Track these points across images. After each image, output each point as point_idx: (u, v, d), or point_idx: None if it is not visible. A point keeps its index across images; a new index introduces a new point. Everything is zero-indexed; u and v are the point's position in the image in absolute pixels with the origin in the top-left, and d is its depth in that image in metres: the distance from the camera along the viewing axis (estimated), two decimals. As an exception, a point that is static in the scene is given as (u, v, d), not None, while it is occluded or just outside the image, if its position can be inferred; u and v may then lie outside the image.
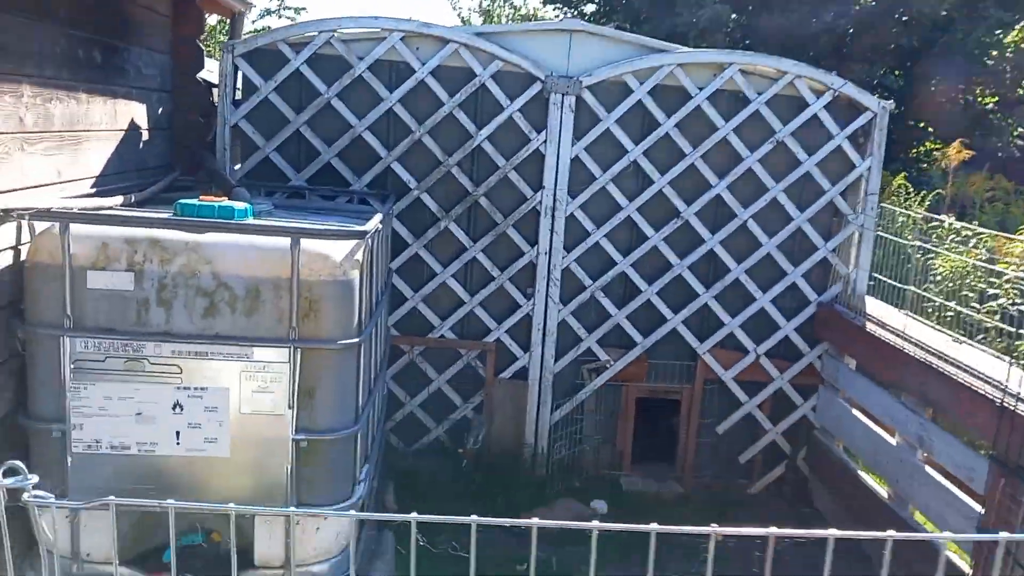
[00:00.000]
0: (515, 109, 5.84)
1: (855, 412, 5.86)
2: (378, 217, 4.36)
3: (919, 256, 8.58)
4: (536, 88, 5.82)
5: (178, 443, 3.62)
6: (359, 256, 3.84)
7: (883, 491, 5.46)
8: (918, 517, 5.17)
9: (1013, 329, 4.84)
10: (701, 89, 5.88)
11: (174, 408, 3.60)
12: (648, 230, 6.08)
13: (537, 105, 5.88)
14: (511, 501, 5.78)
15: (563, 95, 5.80)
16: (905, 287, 6.54)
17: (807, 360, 6.31)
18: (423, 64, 5.74)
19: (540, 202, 5.98)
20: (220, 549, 3.84)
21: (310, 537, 3.81)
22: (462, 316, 6.12)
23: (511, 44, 5.81)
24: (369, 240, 4.01)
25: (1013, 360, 4.34)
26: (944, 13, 13.60)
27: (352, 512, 3.88)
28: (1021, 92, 18.54)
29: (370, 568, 4.36)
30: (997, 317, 7.32)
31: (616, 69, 5.81)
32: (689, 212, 6.06)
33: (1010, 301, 7.42)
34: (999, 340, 5.91)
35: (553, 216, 6.00)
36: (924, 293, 5.84)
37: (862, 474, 5.77)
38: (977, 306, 7.20)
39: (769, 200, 6.07)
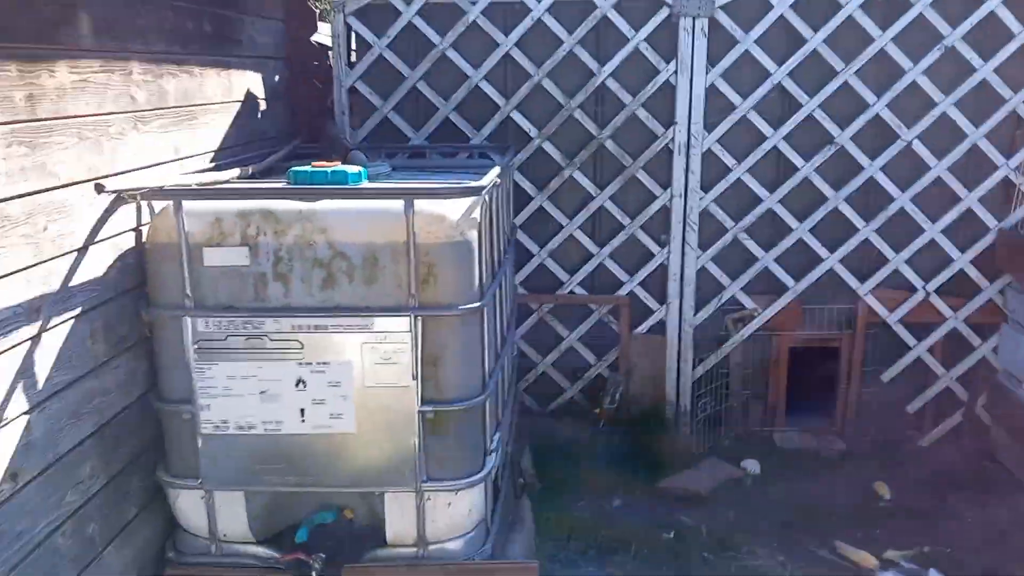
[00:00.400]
0: (641, 39, 5.35)
1: (1049, 354, 5.11)
2: (495, 171, 4.06)
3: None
4: (663, 13, 5.30)
5: (303, 420, 3.52)
6: (476, 215, 3.57)
7: (1089, 444, 4.74)
8: None
9: None
10: (853, -3, 5.17)
11: (297, 385, 3.49)
12: (797, 160, 5.47)
13: (665, 32, 5.35)
14: (653, 462, 5.46)
15: (694, 18, 5.25)
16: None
17: (986, 296, 5.56)
18: (539, 2, 5.34)
19: (672, 139, 5.49)
20: (353, 527, 3.76)
21: (442, 513, 3.65)
22: (591, 270, 5.77)
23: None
24: (486, 196, 3.73)
25: None
26: None
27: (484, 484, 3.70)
28: None
29: (507, 541, 4.17)
30: None
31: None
32: (844, 137, 5.39)
33: None
34: None
35: (688, 153, 5.50)
36: None
37: (1061, 424, 5.04)
38: None
39: (938, 116, 5.32)
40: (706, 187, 5.56)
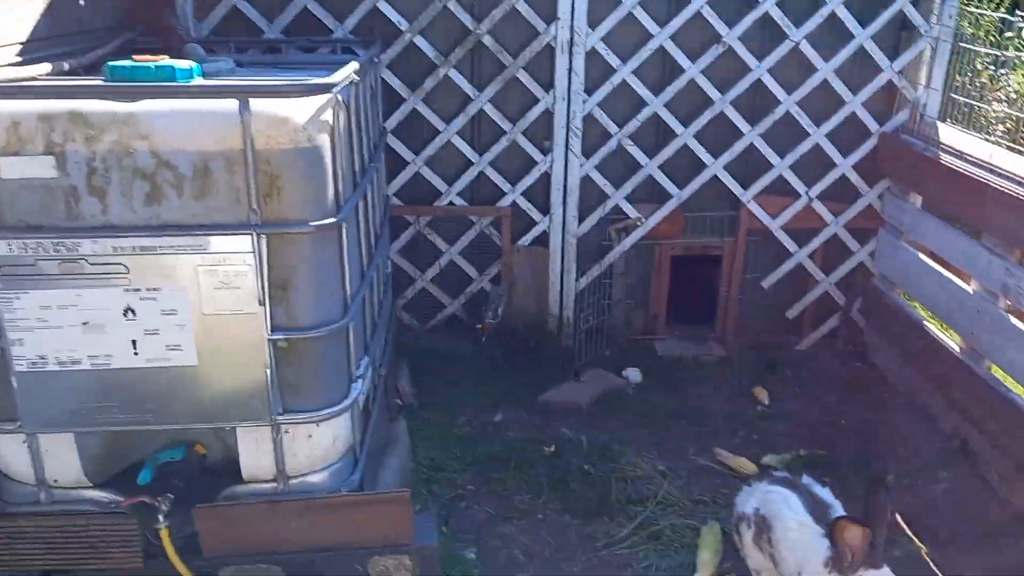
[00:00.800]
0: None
1: (922, 257, 5.17)
2: (352, 66, 3.61)
3: (987, 70, 7.53)
4: None
5: (136, 353, 3.11)
6: (327, 116, 3.15)
7: (954, 344, 4.85)
8: (996, 372, 4.57)
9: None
10: None
11: (125, 314, 3.06)
12: (684, 61, 5.22)
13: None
14: (536, 376, 5.32)
15: None
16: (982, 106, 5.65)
17: (866, 200, 5.57)
18: None
19: (555, 36, 5.12)
20: (206, 463, 3.44)
21: (302, 445, 3.36)
22: (472, 179, 5.44)
23: None
24: (340, 96, 3.30)
25: None
26: None
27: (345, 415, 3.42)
28: None
29: (380, 467, 3.94)
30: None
31: None
32: (731, 37, 5.16)
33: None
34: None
35: (571, 52, 5.16)
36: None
37: (928, 325, 5.15)
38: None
39: (826, 16, 5.14)
40: (590, 90, 5.26)
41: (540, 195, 5.48)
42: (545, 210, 5.48)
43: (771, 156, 5.43)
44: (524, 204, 5.47)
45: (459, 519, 4.15)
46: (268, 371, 3.19)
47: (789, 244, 5.64)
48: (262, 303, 3.11)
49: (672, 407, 5.16)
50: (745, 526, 3.61)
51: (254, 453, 3.34)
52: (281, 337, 3.16)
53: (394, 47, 5.09)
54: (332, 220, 3.17)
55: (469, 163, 5.39)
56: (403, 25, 5.06)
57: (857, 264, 5.72)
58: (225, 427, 3.31)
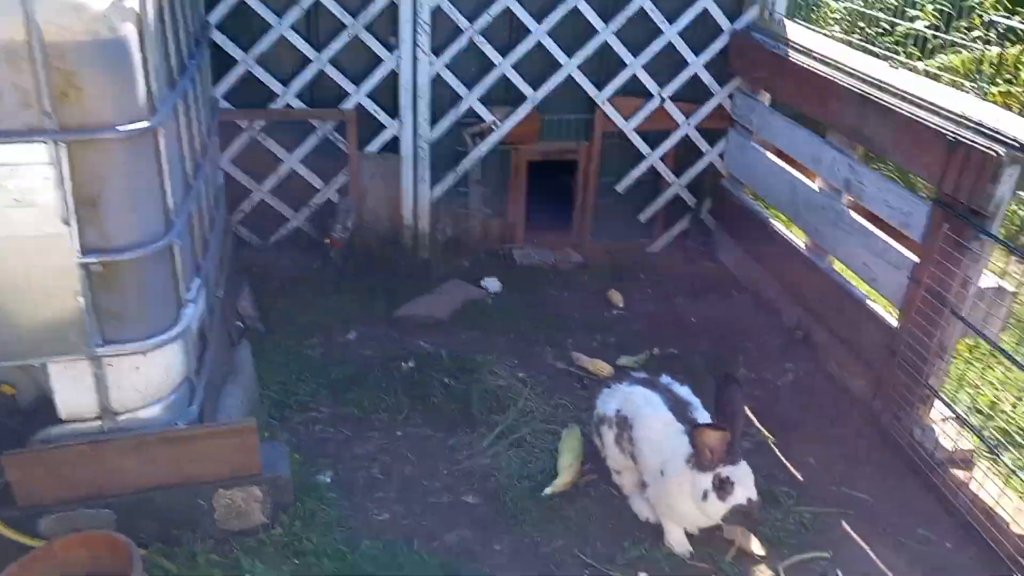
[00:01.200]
0: None
1: (770, 156, 5.26)
2: (158, -57, 3.11)
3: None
4: None
5: (-88, 284, 2.64)
6: (133, 2, 2.69)
7: (799, 241, 5.02)
8: (838, 267, 4.77)
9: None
10: None
11: None
12: (535, -49, 4.93)
13: None
14: (392, 290, 5.09)
15: None
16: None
17: (716, 100, 5.57)
18: None
19: (396, -85, 4.69)
20: (17, 405, 3.04)
21: (129, 379, 3.02)
22: (311, 79, 4.98)
23: None
24: (146, -24, 2.83)
25: (977, 80, 3.68)
26: None
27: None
28: None
29: (222, 396, 3.64)
30: (909, 40, 6.72)
31: None
32: (584, -72, 4.90)
33: (927, 23, 6.79)
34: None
35: (414, -66, 4.75)
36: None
37: (775, 223, 5.29)
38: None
39: (676, -95, 4.97)
40: (437, -20, 4.89)
41: (388, 97, 5.12)
42: (394, 113, 5.14)
43: (625, 55, 5.29)
44: (371, 107, 5.10)
45: (313, 444, 3.94)
46: (81, 299, 2.80)
47: (642, 146, 5.60)
48: (67, 222, 2.70)
49: (531, 315, 5.10)
50: (606, 427, 3.62)
51: (72, 390, 2.97)
52: (95, 260, 2.78)
53: (213, -74, 4.50)
54: (146, 124, 2.77)
55: (307, 61, 4.93)
56: (222, -99, 4.47)
57: (708, 165, 5.77)
58: (34, 364, 2.91)
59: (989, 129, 3.45)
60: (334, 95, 5.06)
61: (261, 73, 4.88)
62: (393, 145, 5.22)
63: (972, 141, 3.49)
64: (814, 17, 7.66)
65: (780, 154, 5.20)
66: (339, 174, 5.24)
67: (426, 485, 3.76)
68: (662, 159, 5.68)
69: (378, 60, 5.01)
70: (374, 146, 5.20)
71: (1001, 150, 3.37)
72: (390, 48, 5.00)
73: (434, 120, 5.20)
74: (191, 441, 3.09)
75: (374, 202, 5.30)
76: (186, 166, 3.39)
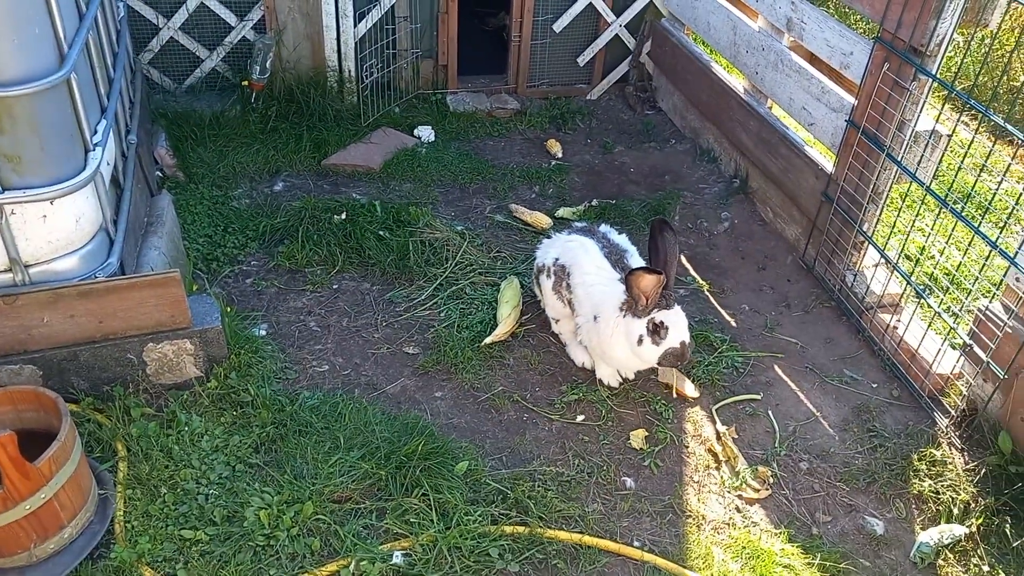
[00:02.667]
0: None
1: (711, -5, 5.04)
2: None
3: None
4: None
5: None
6: None
7: (739, 85, 4.90)
8: (776, 112, 4.70)
9: None
10: None
11: None
12: None
13: None
14: (318, 138, 4.82)
15: None
16: None
17: (659, -66, 5.26)
18: None
19: None
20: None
21: (36, 229, 2.78)
22: None
23: None
24: None
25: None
26: None
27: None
28: None
29: (144, 247, 3.43)
30: None
31: None
32: None
33: None
34: None
35: None
36: None
37: (715, 66, 5.14)
38: None
39: None
40: None
41: (303, -80, 4.65)
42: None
43: None
44: (286, -69, 4.64)
45: (245, 298, 3.79)
46: (-32, 139, 2.51)
47: (581, -18, 5.30)
48: (-60, 49, 2.37)
49: (467, 166, 4.92)
50: (545, 276, 3.59)
51: (-29, 241, 2.72)
52: (-23, 95, 2.47)
53: None
54: (24, -67, 2.40)
55: None
56: None
57: (647, 4, 5.51)
58: (-78, 213, 2.64)
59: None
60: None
61: None
62: (312, -24, 4.80)
63: (923, -29, 3.37)
64: None
65: (723, -8, 4.99)
66: (255, 8, 4.81)
67: (365, 337, 3.69)
68: (602, -3, 5.40)
69: None
70: (292, -24, 4.77)
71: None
72: None
73: (356, -52, 4.78)
74: (111, 293, 2.91)
75: (294, 40, 4.91)
76: (78, -8, 3.01)
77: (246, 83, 4.76)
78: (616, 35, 5.59)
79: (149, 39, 4.71)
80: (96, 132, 2.97)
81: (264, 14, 4.81)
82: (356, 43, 5.01)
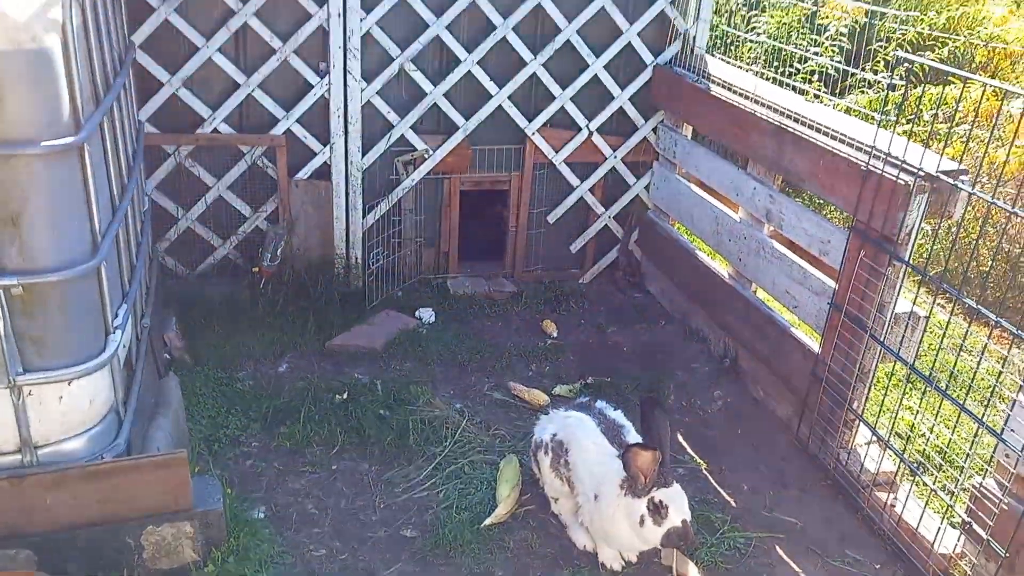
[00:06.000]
0: None
1: (693, 187, 5.43)
2: (87, -43, 3.03)
3: (745, 11, 8.05)
4: None
5: None
6: (57, 13, 2.60)
7: (723, 271, 5.17)
8: (761, 295, 4.93)
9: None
10: None
11: None
12: (463, -18, 4.99)
13: None
14: (323, 321, 4.99)
15: None
16: (747, 37, 5.99)
17: (641, 133, 5.72)
18: None
19: (327, -53, 4.69)
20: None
21: (52, 409, 2.86)
22: (239, 103, 4.88)
23: None
24: (74, -10, 2.74)
25: (883, 115, 3.90)
26: None
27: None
28: None
29: (150, 428, 3.48)
30: (815, 77, 7.09)
31: None
32: (511, -42, 5.00)
33: (831, 56, 7.18)
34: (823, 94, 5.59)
35: (344, -38, 4.74)
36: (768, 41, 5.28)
37: (700, 253, 5.44)
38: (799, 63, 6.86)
39: (601, -57, 5.13)
40: (368, 6, 4.88)
41: (319, 123, 5.06)
42: (325, 140, 5.08)
43: (553, 87, 5.39)
44: (300, 132, 5.03)
45: (245, 479, 3.80)
46: (2, 322, 2.64)
47: (571, 178, 5.70)
48: (-16, 241, 2.55)
49: (466, 345, 5.07)
50: (543, 453, 3.62)
51: (-12, 422, 2.79)
52: (14, 282, 2.63)
53: (140, -53, 4.41)
54: (71, 139, 2.66)
55: (236, 85, 4.85)
56: (149, -77, 4.38)
57: (634, 197, 5.91)
58: (-55, 394, 2.72)
59: (898, 160, 3.65)
60: (264, 120, 4.99)
61: (188, 96, 4.77)
62: (324, 172, 5.16)
63: (883, 171, 3.69)
64: (733, 53, 8.01)
65: (703, 186, 5.38)
66: (269, 201, 5.14)
67: (363, 519, 3.67)
68: (591, 190, 5.79)
69: (308, 86, 4.96)
70: (305, 173, 5.12)
71: (909, 179, 3.58)
72: (321, 74, 4.96)
73: (365, 148, 5.17)
74: (116, 475, 2.94)
75: (305, 230, 5.21)
76: (112, 187, 3.26)
77: (256, 269, 5.00)
78: (606, 225, 5.94)
79: (168, 228, 4.98)
80: (117, 316, 3.12)
81: (278, 206, 5.13)
82: (364, 233, 5.31)
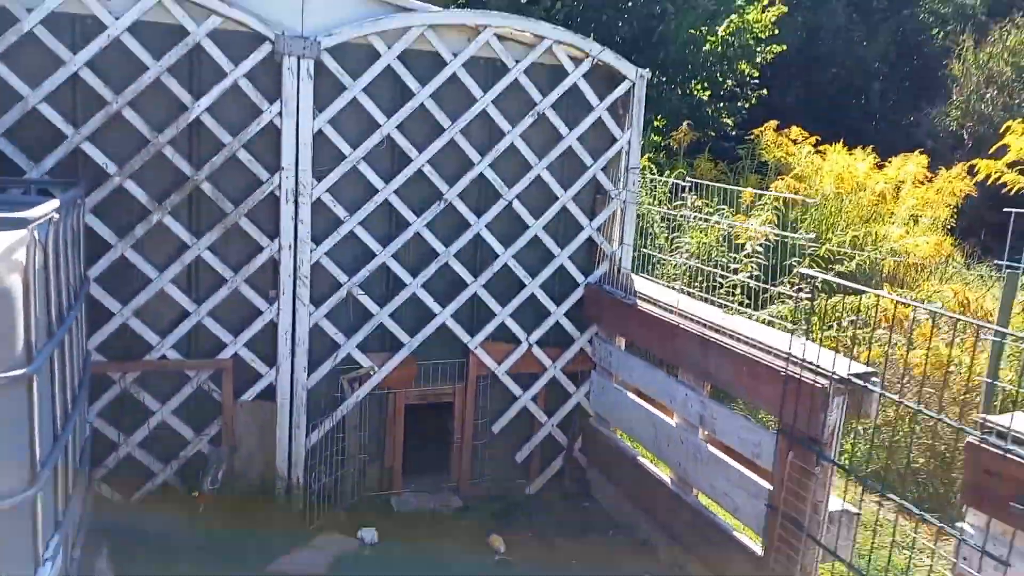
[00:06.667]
0: (241, 74, 4.89)
1: (630, 395, 5.64)
2: (52, 204, 3.29)
3: (667, 232, 8.76)
4: (266, 50, 4.91)
5: None
6: (21, 255, 2.79)
7: (665, 476, 5.26)
8: (703, 499, 5.00)
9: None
10: (456, 55, 5.31)
11: None
12: (409, 215, 5.40)
13: (269, 70, 4.96)
14: (263, 546, 4.85)
15: (299, 58, 4.94)
16: (667, 258, 6.48)
17: (578, 345, 6.01)
18: (117, 18, 4.62)
19: (279, 186, 5.08)
20: None
21: (-32, 654, 2.71)
22: (188, 330, 5.04)
23: (231, -4, 4.86)
24: (38, 233, 2.96)
25: (798, 325, 4.23)
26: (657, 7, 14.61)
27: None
28: (730, 85, 20.43)
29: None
30: (738, 291, 7.62)
31: (360, 29, 5.06)
32: (452, 193, 5.47)
33: (749, 274, 7.75)
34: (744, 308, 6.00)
35: (296, 202, 5.12)
36: (701, 266, 5.74)
37: (642, 459, 5.55)
38: (722, 278, 7.39)
39: (533, 178, 5.66)
40: (318, 239, 5.23)
41: (266, 346, 5.22)
42: (272, 362, 5.22)
43: (494, 305, 5.71)
44: (248, 356, 5.16)
45: None
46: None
47: (514, 388, 5.88)
48: (-80, 473, 2.55)
49: (410, 567, 4.95)
50: None
51: None
52: (-55, 515, 2.60)
53: (100, 190, 4.72)
54: (22, 371, 2.75)
55: (186, 313, 5.02)
56: (111, 168, 4.73)
57: (575, 405, 6.08)
58: None
59: (815, 365, 3.93)
60: (212, 345, 5.12)
61: (138, 325, 4.91)
62: (269, 392, 5.24)
63: (802, 376, 3.96)
64: (657, 272, 8.59)
65: (639, 393, 5.59)
66: (212, 424, 5.15)
67: None
68: (533, 400, 5.96)
69: (258, 311, 5.17)
70: (250, 394, 5.20)
71: (827, 383, 3.84)
72: (270, 300, 5.19)
73: (312, 367, 5.31)
74: None
75: (247, 451, 5.20)
76: (56, 417, 3.30)
77: (196, 495, 4.91)
78: (550, 433, 6.05)
79: (106, 456, 4.93)
80: (48, 547, 3.04)
81: (221, 428, 5.14)
82: (307, 452, 5.31)
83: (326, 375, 5.36)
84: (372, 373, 5.44)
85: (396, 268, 5.44)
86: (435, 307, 5.56)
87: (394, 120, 5.26)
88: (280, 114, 4.99)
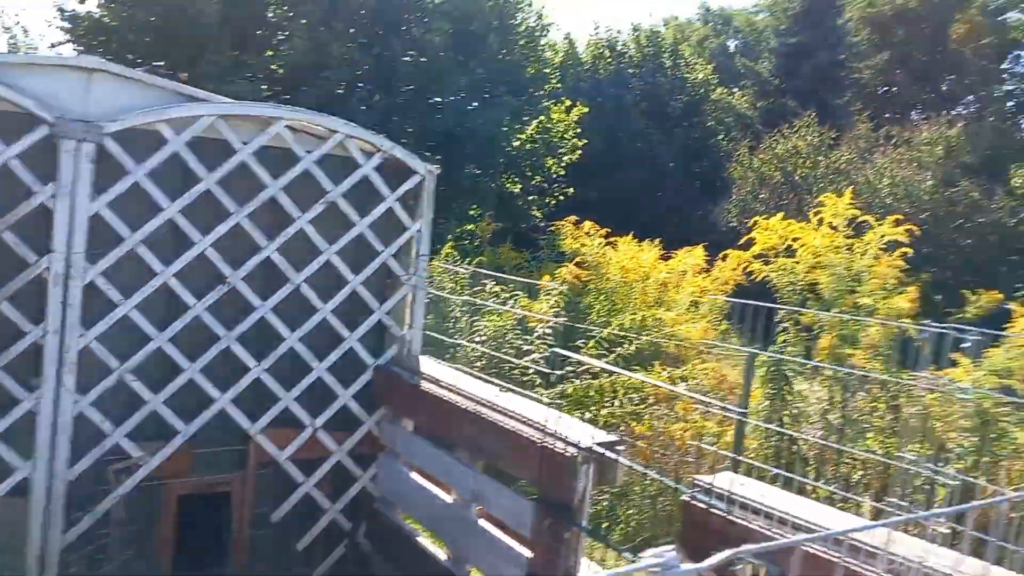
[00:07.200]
0: (12, 155, 4.77)
1: (414, 476, 5.77)
2: None
3: (466, 316, 9.15)
4: (42, 132, 4.83)
5: None
6: None
7: (442, 554, 5.39)
8: (475, 575, 5.17)
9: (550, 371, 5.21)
10: (246, 144, 5.44)
11: None
12: (189, 299, 5.36)
13: (45, 152, 4.87)
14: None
15: (79, 141, 4.90)
16: (458, 343, 6.79)
17: (366, 427, 6.09)
18: None
19: (48, 268, 4.92)
20: None
21: None
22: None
23: (9, 78, 4.77)
24: None
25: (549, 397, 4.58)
26: (463, 96, 15.58)
27: None
28: (539, 180, 21.77)
29: None
30: (531, 371, 8.07)
31: (147, 116, 5.10)
32: (236, 277, 5.50)
33: (540, 354, 8.24)
34: (539, 387, 6.41)
35: (66, 285, 4.97)
36: (480, 348, 6.06)
37: (422, 540, 5.66)
38: (514, 360, 7.81)
39: (323, 263, 5.81)
40: (89, 323, 5.07)
41: (23, 437, 4.91)
42: (28, 454, 4.92)
43: (278, 389, 5.71)
44: (1, 448, 4.85)
45: None
46: None
47: (296, 475, 5.84)
48: None
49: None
50: None
51: None
52: None
53: None
54: None
55: (-81, 403, 4.69)
56: None
57: (361, 489, 6.12)
58: None
59: (565, 436, 4.28)
60: (-44, 438, 4.78)
61: None
62: (22, 488, 4.92)
63: (554, 446, 4.29)
64: (459, 354, 8.90)
65: (423, 473, 5.74)
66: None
67: None
68: (317, 486, 5.93)
69: (15, 400, 4.90)
70: (0, 490, 4.86)
71: (575, 451, 4.18)
72: (31, 388, 4.94)
73: (74, 458, 5.05)
74: None
75: (-7, 552, 4.82)
76: None
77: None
78: (333, 519, 6.03)
79: None
80: None
81: (-37, 527, 4.75)
82: (61, 551, 4.98)
83: (90, 466, 5.11)
84: (142, 463, 5.25)
85: (173, 353, 5.35)
86: (214, 392, 5.49)
87: (178, 204, 5.27)
88: (54, 196, 4.88)
